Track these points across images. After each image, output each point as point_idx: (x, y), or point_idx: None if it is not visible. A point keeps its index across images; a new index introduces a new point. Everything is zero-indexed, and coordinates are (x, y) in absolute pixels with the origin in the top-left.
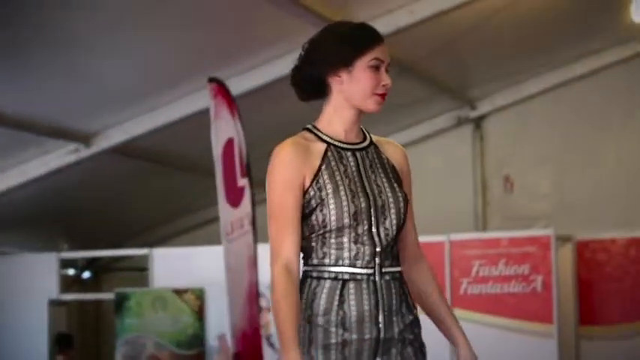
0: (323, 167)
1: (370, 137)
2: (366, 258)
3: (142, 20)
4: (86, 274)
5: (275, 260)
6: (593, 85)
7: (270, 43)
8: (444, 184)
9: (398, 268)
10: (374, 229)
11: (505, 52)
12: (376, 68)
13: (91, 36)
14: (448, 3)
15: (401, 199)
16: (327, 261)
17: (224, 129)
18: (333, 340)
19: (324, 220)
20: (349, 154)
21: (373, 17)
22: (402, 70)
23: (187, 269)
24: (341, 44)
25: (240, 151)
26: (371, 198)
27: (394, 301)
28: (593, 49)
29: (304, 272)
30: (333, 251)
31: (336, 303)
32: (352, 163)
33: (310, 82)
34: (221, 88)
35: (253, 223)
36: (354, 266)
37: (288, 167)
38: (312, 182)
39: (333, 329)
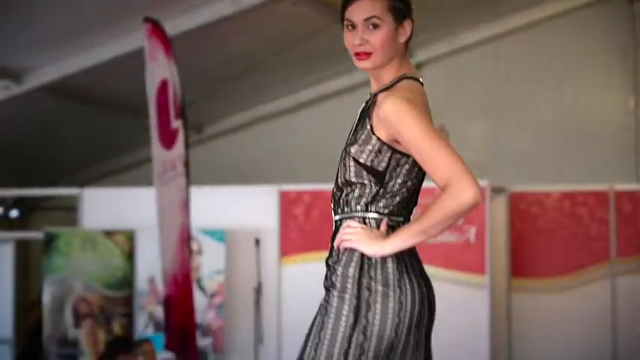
0: None
1: (380, 89)
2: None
3: None
4: (14, 213)
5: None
6: (532, 38)
7: None
8: None
9: (339, 216)
10: None
11: (443, 1)
12: (350, 27)
13: None
14: None
15: (345, 150)
16: None
17: (159, 70)
18: None
19: None
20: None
21: None
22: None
23: (118, 210)
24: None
25: (174, 93)
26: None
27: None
28: (533, 1)
29: None
30: None
31: None
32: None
33: None
34: (156, 29)
35: (186, 165)
36: None
37: None
38: None
39: None
